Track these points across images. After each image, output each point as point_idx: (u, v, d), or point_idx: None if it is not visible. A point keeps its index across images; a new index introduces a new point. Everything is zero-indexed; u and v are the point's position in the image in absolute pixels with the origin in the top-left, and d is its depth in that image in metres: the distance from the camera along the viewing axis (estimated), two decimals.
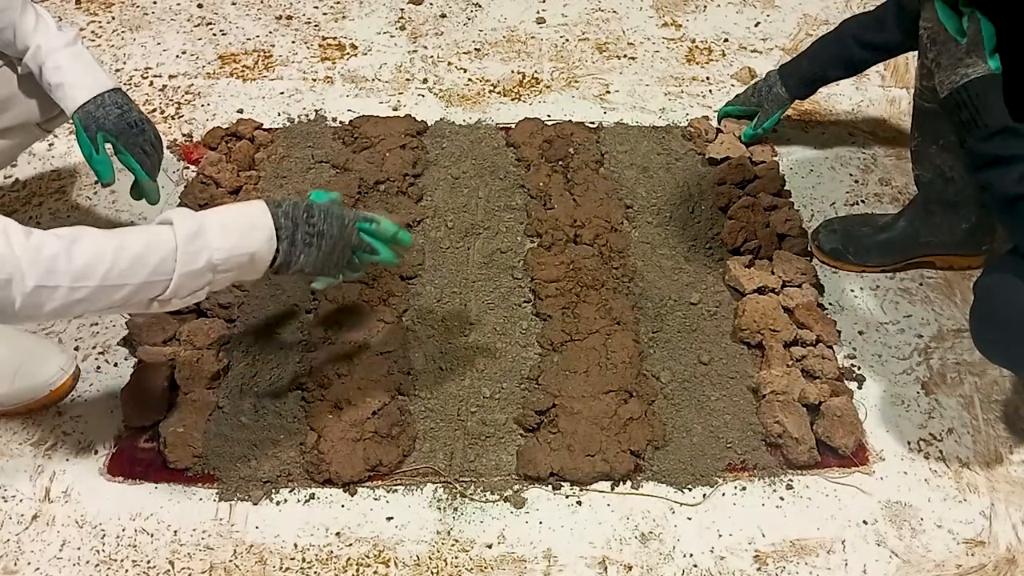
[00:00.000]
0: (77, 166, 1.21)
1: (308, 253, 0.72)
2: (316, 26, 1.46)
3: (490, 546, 0.82)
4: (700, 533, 0.84)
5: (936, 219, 1.02)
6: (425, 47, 1.42)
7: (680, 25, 1.47)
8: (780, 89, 1.15)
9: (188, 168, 1.20)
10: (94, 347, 0.98)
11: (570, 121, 1.26)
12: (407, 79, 1.35)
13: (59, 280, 0.62)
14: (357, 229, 0.75)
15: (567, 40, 1.44)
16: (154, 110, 1.30)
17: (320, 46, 1.42)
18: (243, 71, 1.36)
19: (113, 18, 1.46)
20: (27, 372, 0.89)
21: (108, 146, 0.88)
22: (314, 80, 1.35)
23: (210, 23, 1.46)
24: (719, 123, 1.24)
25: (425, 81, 1.35)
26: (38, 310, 0.62)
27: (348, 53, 1.40)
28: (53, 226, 1.10)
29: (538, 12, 1.49)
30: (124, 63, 1.37)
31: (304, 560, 0.81)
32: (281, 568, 0.81)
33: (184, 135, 1.25)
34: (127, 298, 0.65)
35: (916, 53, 0.94)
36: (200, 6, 1.50)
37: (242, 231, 0.69)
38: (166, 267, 0.66)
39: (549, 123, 1.25)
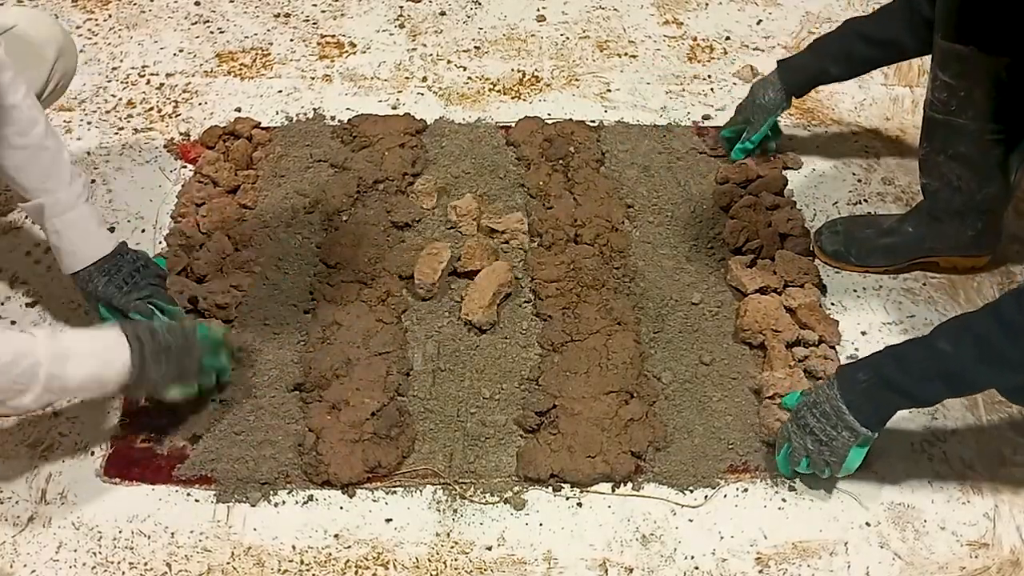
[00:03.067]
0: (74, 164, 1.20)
1: (158, 368, 0.79)
2: (315, 24, 1.45)
3: (490, 548, 0.82)
4: (702, 535, 0.83)
5: (942, 226, 1.01)
6: (424, 45, 1.41)
7: (681, 23, 1.46)
8: (764, 98, 1.09)
9: (186, 167, 1.19)
10: None
11: (570, 120, 1.25)
12: (406, 77, 1.35)
13: None
14: (199, 340, 0.84)
15: (567, 38, 1.43)
16: (151, 108, 1.29)
17: (319, 44, 1.41)
18: (241, 69, 1.36)
19: (110, 16, 1.46)
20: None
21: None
22: (312, 78, 1.34)
23: (208, 21, 1.46)
24: (731, 154, 1.17)
25: (424, 79, 1.34)
26: None
27: (347, 51, 1.40)
28: None
29: (538, 10, 1.48)
30: (121, 61, 1.37)
31: (302, 562, 0.81)
32: (279, 570, 0.80)
33: (181, 134, 1.24)
34: None
35: (926, 57, 0.93)
36: (197, 4, 1.49)
37: (102, 360, 0.77)
38: (27, 379, 0.72)
39: (549, 122, 1.24)
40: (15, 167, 0.84)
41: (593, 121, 1.26)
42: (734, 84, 1.34)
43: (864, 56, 1.04)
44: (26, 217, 1.12)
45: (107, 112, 1.28)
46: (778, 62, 1.12)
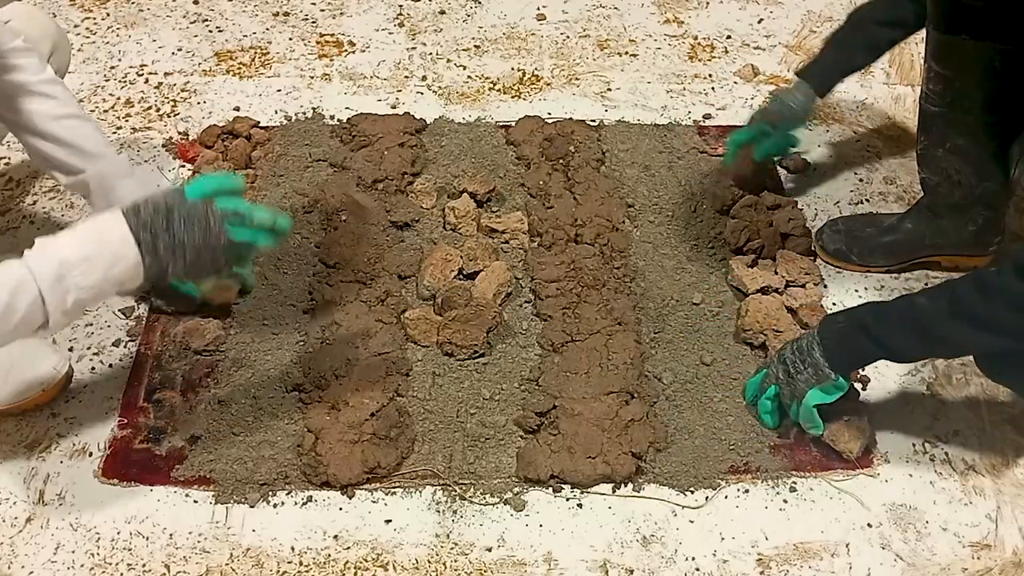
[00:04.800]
0: None
1: (175, 263, 0.68)
2: (314, 23, 1.45)
3: (490, 549, 0.81)
4: (702, 536, 0.83)
5: (943, 222, 1.01)
6: (424, 44, 1.41)
7: (682, 22, 1.46)
8: (793, 101, 1.03)
9: (184, 166, 1.19)
10: (89, 348, 0.97)
11: (571, 119, 1.24)
12: (406, 76, 1.34)
13: None
14: (225, 229, 0.69)
15: (568, 37, 1.42)
16: (149, 108, 1.29)
17: (318, 43, 1.41)
18: (240, 68, 1.35)
19: (108, 14, 1.45)
20: (19, 371, 0.88)
21: None
22: (312, 77, 1.34)
23: (206, 20, 1.45)
24: (731, 157, 1.09)
25: (424, 78, 1.34)
26: None
27: (346, 50, 1.39)
28: (48, 225, 1.11)
29: (538, 9, 1.48)
30: (119, 60, 1.36)
31: (301, 563, 0.80)
32: (278, 571, 0.80)
33: (180, 133, 1.24)
34: (7, 338, 0.66)
35: (922, 53, 0.93)
36: (196, 2, 1.48)
37: (105, 264, 0.66)
38: (36, 310, 0.65)
39: (549, 121, 1.24)
40: (67, 137, 0.83)
41: (593, 120, 1.25)
42: (735, 83, 1.34)
43: (884, 39, 1.01)
44: (23, 221, 1.12)
45: (105, 111, 1.28)
46: (797, 72, 1.06)
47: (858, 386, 0.95)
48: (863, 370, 0.96)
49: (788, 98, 1.05)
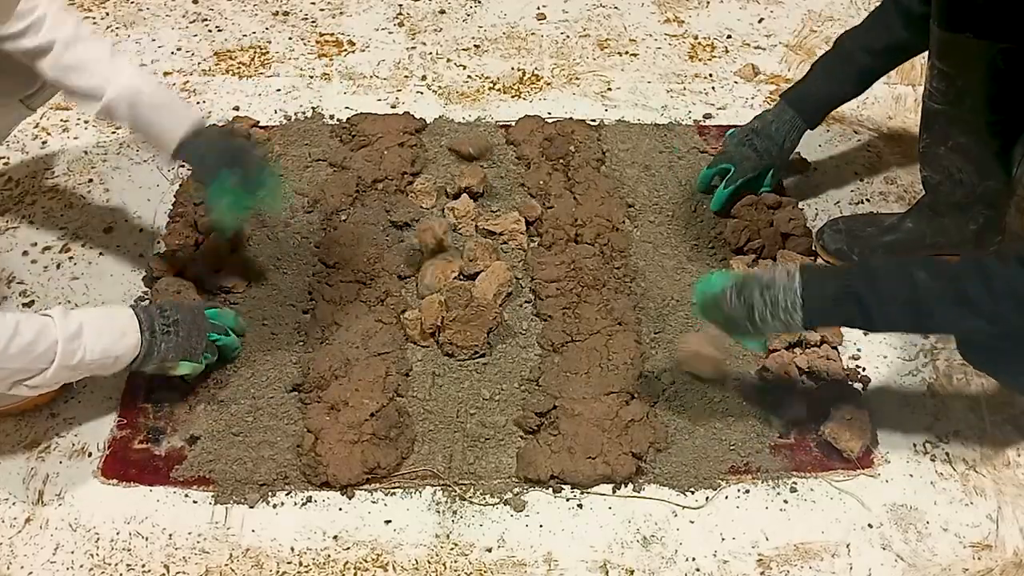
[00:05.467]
0: (71, 164, 1.19)
1: (167, 341, 0.83)
2: (313, 22, 1.45)
3: (490, 550, 0.81)
4: (703, 536, 0.83)
5: (944, 221, 1.00)
6: (424, 43, 1.40)
7: (682, 21, 1.46)
8: (777, 132, 1.00)
9: (183, 166, 1.18)
10: None
11: (571, 119, 1.24)
12: (406, 76, 1.34)
13: None
14: (206, 315, 0.87)
15: (568, 36, 1.42)
16: None
17: (317, 42, 1.40)
18: (239, 68, 1.35)
19: (107, 14, 1.45)
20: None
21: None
22: (311, 77, 1.33)
23: (206, 19, 1.45)
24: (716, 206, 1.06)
25: (424, 78, 1.34)
26: None
27: (346, 49, 1.39)
28: (47, 224, 1.11)
29: (538, 8, 1.48)
30: None
31: (301, 564, 0.80)
32: (278, 572, 0.80)
33: None
34: (2, 380, 0.74)
35: (924, 53, 0.92)
36: (195, 2, 1.48)
37: (113, 336, 0.79)
38: (47, 358, 0.75)
39: (549, 121, 1.23)
40: (88, 60, 0.84)
41: (594, 120, 1.25)
42: (735, 83, 1.34)
43: (874, 68, 1.00)
44: (22, 221, 1.11)
45: None
46: (782, 96, 1.04)
47: (858, 386, 0.95)
48: (864, 371, 0.96)
49: (772, 127, 1.01)
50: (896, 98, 1.31)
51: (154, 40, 1.40)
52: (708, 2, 1.50)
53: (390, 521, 0.83)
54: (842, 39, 1.01)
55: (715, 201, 1.07)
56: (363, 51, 1.38)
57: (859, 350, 0.99)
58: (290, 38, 1.41)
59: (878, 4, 0.99)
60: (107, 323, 0.79)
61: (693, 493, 0.85)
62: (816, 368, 0.94)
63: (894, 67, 1.01)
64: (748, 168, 1.04)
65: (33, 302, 1.02)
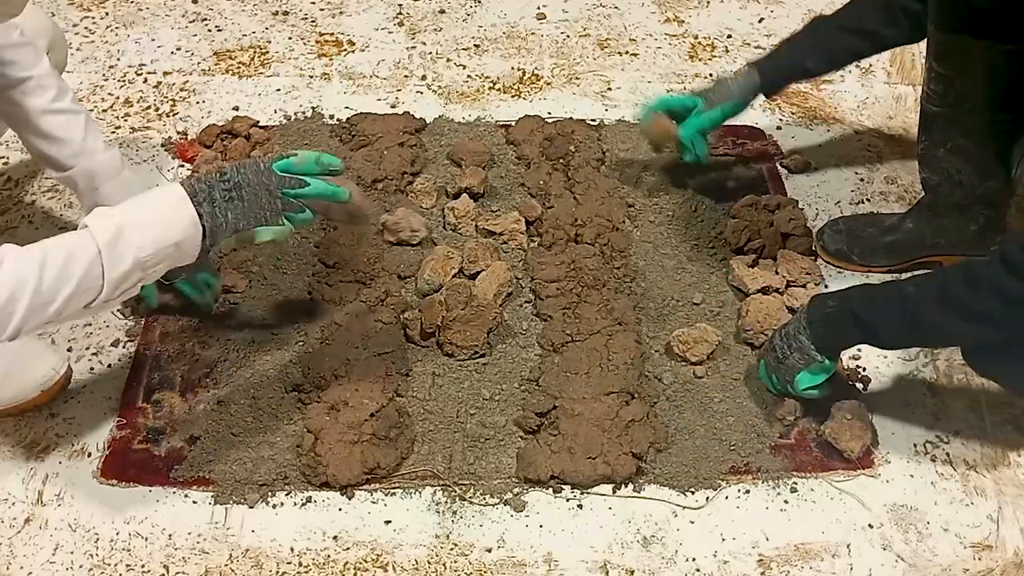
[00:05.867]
0: None
1: (232, 208, 0.69)
2: (313, 22, 1.45)
3: (490, 550, 0.81)
4: (703, 537, 0.82)
5: (944, 221, 1.00)
6: (424, 43, 1.40)
7: (683, 21, 1.46)
8: (735, 84, 0.98)
9: (183, 166, 1.18)
10: (87, 348, 0.97)
11: (571, 118, 1.24)
12: (405, 76, 1.34)
13: None
14: (273, 169, 0.71)
15: (568, 36, 1.42)
16: (148, 107, 1.28)
17: (317, 42, 1.40)
18: (239, 68, 1.35)
19: (107, 14, 1.45)
20: (17, 372, 0.88)
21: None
22: (311, 77, 1.33)
23: (205, 19, 1.45)
24: (644, 119, 1.04)
25: (424, 78, 1.34)
26: None
27: (345, 49, 1.39)
28: (47, 224, 1.11)
29: (538, 8, 1.47)
30: (118, 59, 1.36)
31: (301, 564, 0.80)
32: (277, 572, 0.79)
33: (179, 132, 1.24)
34: (60, 310, 0.65)
35: (924, 50, 0.92)
36: (195, 1, 1.48)
37: (163, 223, 0.67)
38: (93, 274, 0.65)
39: (550, 121, 1.23)
40: (57, 133, 0.84)
41: (594, 120, 1.25)
42: None
43: (842, 46, 0.98)
44: (21, 220, 1.11)
45: (104, 111, 1.27)
46: (748, 63, 1.02)
47: (859, 386, 0.95)
48: (864, 371, 0.96)
49: (730, 81, 1.01)
50: (896, 98, 1.31)
51: (153, 40, 1.40)
52: (708, 2, 1.49)
53: (390, 521, 0.83)
54: (816, 19, 1.00)
55: (686, 128, 1.02)
56: (363, 51, 1.38)
57: (859, 350, 0.98)
58: (290, 38, 1.41)
59: None
60: (153, 209, 0.67)
61: (693, 493, 0.85)
62: None
63: (864, 53, 0.99)
64: (708, 104, 1.01)
65: None
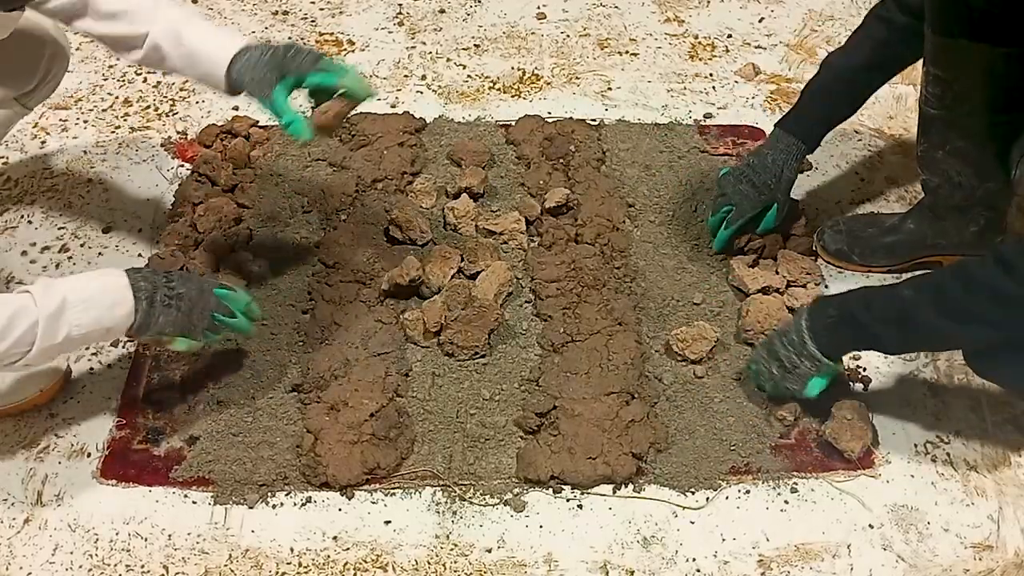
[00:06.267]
0: (70, 163, 1.19)
1: (167, 314, 0.77)
2: (313, 22, 1.44)
3: (490, 550, 0.81)
4: (703, 537, 0.82)
5: (944, 223, 1.00)
6: (424, 43, 1.40)
7: (683, 21, 1.46)
8: (779, 159, 0.95)
9: (183, 166, 1.18)
10: (87, 348, 0.97)
11: (571, 118, 1.24)
12: (405, 76, 1.34)
13: None
14: (214, 293, 0.81)
15: (568, 36, 1.42)
16: (148, 107, 1.28)
17: (317, 42, 1.40)
18: None
19: None
20: (16, 375, 0.88)
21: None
22: None
23: (205, 18, 1.44)
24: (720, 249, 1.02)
25: (424, 78, 1.34)
26: None
27: (345, 49, 1.39)
28: (46, 224, 1.11)
29: (538, 8, 1.47)
30: (117, 59, 1.36)
31: (300, 564, 0.80)
32: (277, 573, 0.79)
33: (179, 132, 1.24)
34: None
35: (923, 51, 0.92)
36: (195, 1, 1.48)
37: (103, 308, 0.74)
38: (27, 340, 0.70)
39: (550, 120, 1.23)
40: (120, 6, 0.81)
41: (594, 120, 1.25)
42: (736, 82, 1.33)
43: (868, 85, 0.97)
44: (21, 220, 1.11)
45: (104, 111, 1.27)
46: (776, 125, 0.99)
47: (859, 387, 0.95)
48: (864, 371, 0.96)
49: (769, 157, 0.96)
50: (897, 98, 1.31)
51: None
52: (708, 1, 1.49)
53: (390, 522, 0.83)
54: (829, 60, 0.98)
55: (717, 242, 1.03)
56: (363, 51, 1.38)
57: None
58: (290, 37, 1.41)
59: (861, 22, 0.96)
60: (96, 295, 0.74)
61: (693, 493, 0.85)
62: None
63: (886, 80, 0.98)
64: (747, 207, 0.99)
65: None
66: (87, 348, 0.97)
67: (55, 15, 0.82)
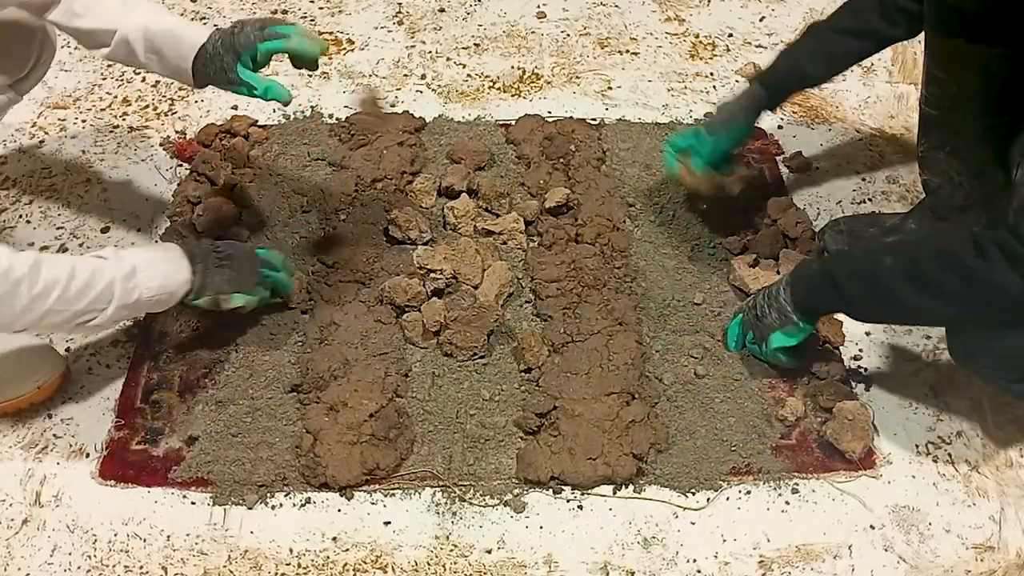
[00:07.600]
0: (68, 163, 1.19)
1: (222, 274, 0.85)
2: (312, 21, 1.44)
3: (490, 551, 0.81)
4: (704, 538, 0.82)
5: (946, 223, 1.00)
6: (423, 42, 1.40)
7: (683, 20, 1.45)
8: (737, 106, 0.97)
9: (182, 165, 1.18)
10: (86, 348, 0.97)
11: (571, 118, 1.24)
12: (405, 75, 1.33)
13: (19, 301, 0.70)
14: (256, 253, 0.90)
15: (568, 35, 1.42)
16: (147, 106, 1.28)
17: None
18: None
19: None
20: (14, 369, 0.88)
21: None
22: (310, 76, 1.33)
23: (204, 18, 1.44)
24: (671, 169, 1.02)
25: (423, 77, 1.33)
26: None
27: (345, 48, 1.38)
28: (45, 224, 1.11)
29: (538, 6, 1.47)
30: None
31: (300, 565, 0.80)
32: (276, 573, 0.79)
33: (177, 132, 1.23)
34: (65, 321, 0.74)
35: (923, 50, 0.92)
36: (194, 0, 1.47)
37: (168, 275, 0.81)
38: (106, 296, 0.76)
39: (550, 120, 1.23)
40: (91, 6, 0.83)
41: (594, 119, 1.24)
42: (736, 82, 1.33)
43: (842, 49, 0.96)
44: (19, 220, 1.11)
45: (102, 110, 1.27)
46: (749, 78, 1.01)
47: (860, 387, 0.94)
48: (865, 371, 0.96)
49: (734, 104, 0.99)
50: (898, 97, 1.31)
51: None
52: (709, 0, 1.49)
53: (389, 522, 0.83)
54: (812, 26, 0.98)
55: (697, 163, 1.00)
56: (362, 50, 1.38)
57: (861, 351, 0.98)
58: None
59: None
60: (159, 261, 0.81)
61: (694, 494, 0.85)
62: (816, 370, 0.93)
63: (865, 54, 0.97)
64: (703, 148, 0.99)
65: None
66: (87, 348, 0.96)
67: (27, 6, 0.84)
